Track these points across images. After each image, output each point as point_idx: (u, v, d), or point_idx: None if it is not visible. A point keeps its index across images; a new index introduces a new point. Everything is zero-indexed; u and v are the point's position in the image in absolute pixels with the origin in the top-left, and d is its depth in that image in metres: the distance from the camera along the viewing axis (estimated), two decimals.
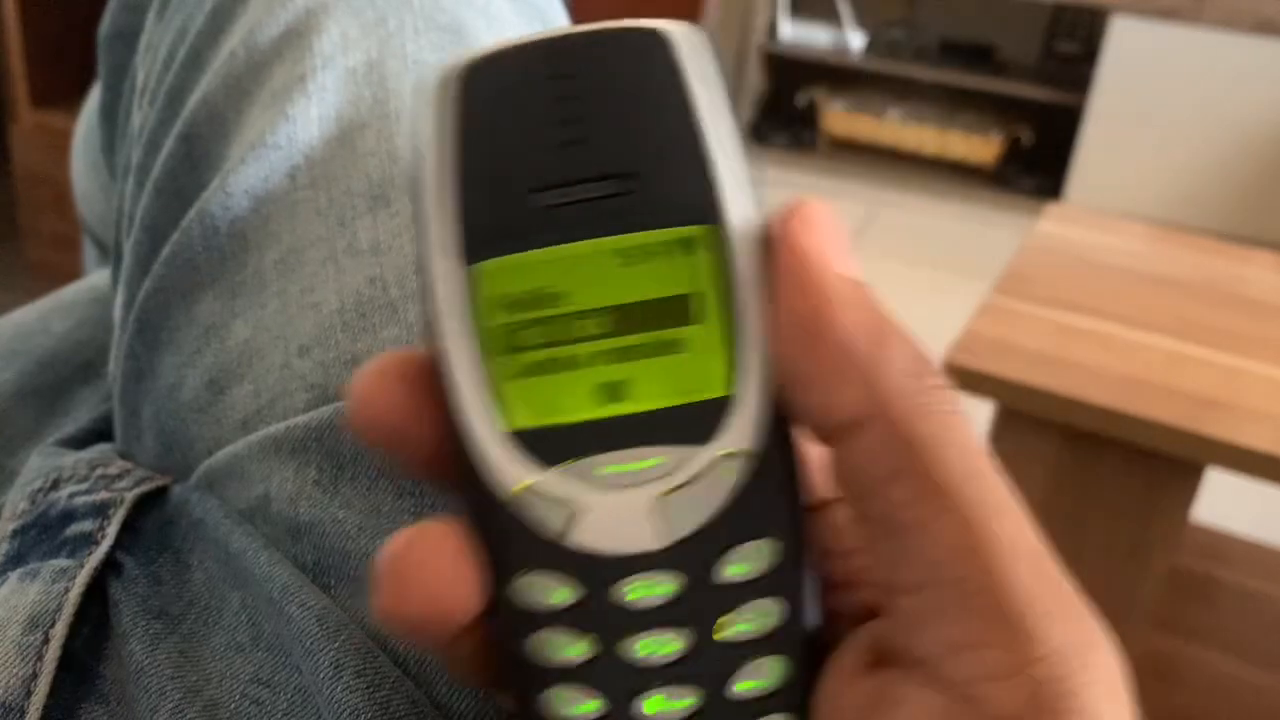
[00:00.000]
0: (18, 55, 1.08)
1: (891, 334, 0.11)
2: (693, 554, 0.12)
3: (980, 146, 1.87)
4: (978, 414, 0.71)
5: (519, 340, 0.12)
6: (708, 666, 0.12)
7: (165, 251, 0.22)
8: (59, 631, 0.18)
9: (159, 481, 0.21)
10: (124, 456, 0.23)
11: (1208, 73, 1.62)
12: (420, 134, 0.12)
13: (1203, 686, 0.75)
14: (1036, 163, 1.85)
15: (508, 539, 0.12)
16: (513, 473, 0.12)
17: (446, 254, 0.12)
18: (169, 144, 0.23)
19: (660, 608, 0.12)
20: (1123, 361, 0.66)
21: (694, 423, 0.12)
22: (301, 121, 0.22)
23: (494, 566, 0.12)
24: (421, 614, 0.11)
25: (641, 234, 0.12)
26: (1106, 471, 0.66)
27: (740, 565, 0.12)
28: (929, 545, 0.11)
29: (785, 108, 2.00)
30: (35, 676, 0.17)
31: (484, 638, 0.12)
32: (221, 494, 0.20)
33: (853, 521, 0.12)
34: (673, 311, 0.12)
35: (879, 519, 0.11)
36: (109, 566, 0.19)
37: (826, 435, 0.12)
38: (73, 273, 0.32)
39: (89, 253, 0.39)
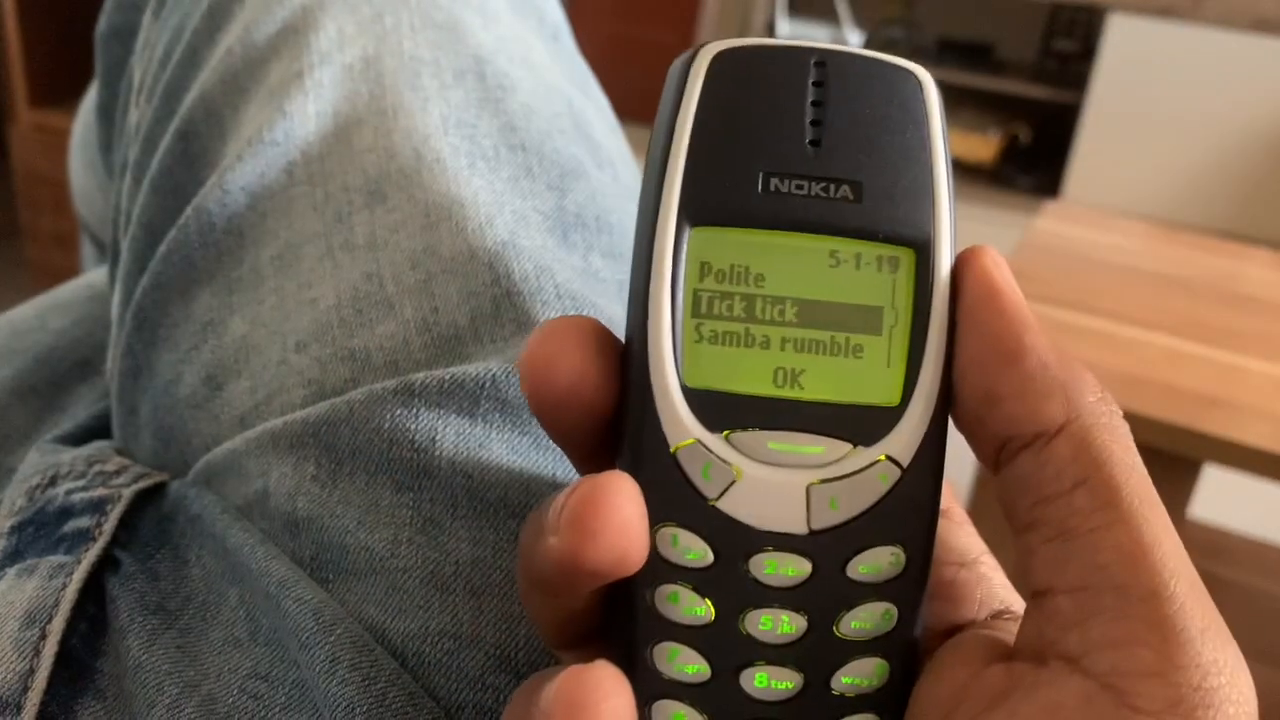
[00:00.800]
0: (16, 54, 1.08)
1: (1075, 359, 0.13)
2: (830, 546, 0.13)
3: (978, 145, 1.87)
4: None
5: (717, 308, 0.13)
6: (817, 655, 0.13)
7: (162, 248, 0.22)
8: (56, 627, 0.18)
9: (156, 478, 0.21)
10: (121, 453, 0.23)
11: (1205, 71, 1.62)
12: (668, 103, 0.13)
13: None
14: (1034, 161, 1.85)
15: (664, 490, 0.12)
16: (686, 426, 0.13)
17: (671, 212, 0.13)
18: (166, 141, 0.23)
19: (788, 589, 0.13)
20: (1121, 359, 0.66)
21: (862, 424, 0.13)
22: (299, 118, 0.22)
23: (653, 516, 0.12)
24: (604, 561, 0.12)
25: (855, 241, 0.13)
26: None
27: (871, 566, 0.13)
28: (1100, 551, 0.11)
29: None
30: (32, 672, 0.17)
31: (606, 587, 0.12)
32: (219, 489, 0.20)
33: (1016, 530, 0.13)
34: (863, 319, 0.13)
35: (1053, 523, 0.12)
36: (106, 562, 0.19)
37: (1017, 446, 0.12)
38: (71, 271, 0.32)
39: (87, 251, 0.39)
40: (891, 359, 0.13)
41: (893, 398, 0.13)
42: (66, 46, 1.09)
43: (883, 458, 0.13)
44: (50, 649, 0.18)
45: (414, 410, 0.18)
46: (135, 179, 0.24)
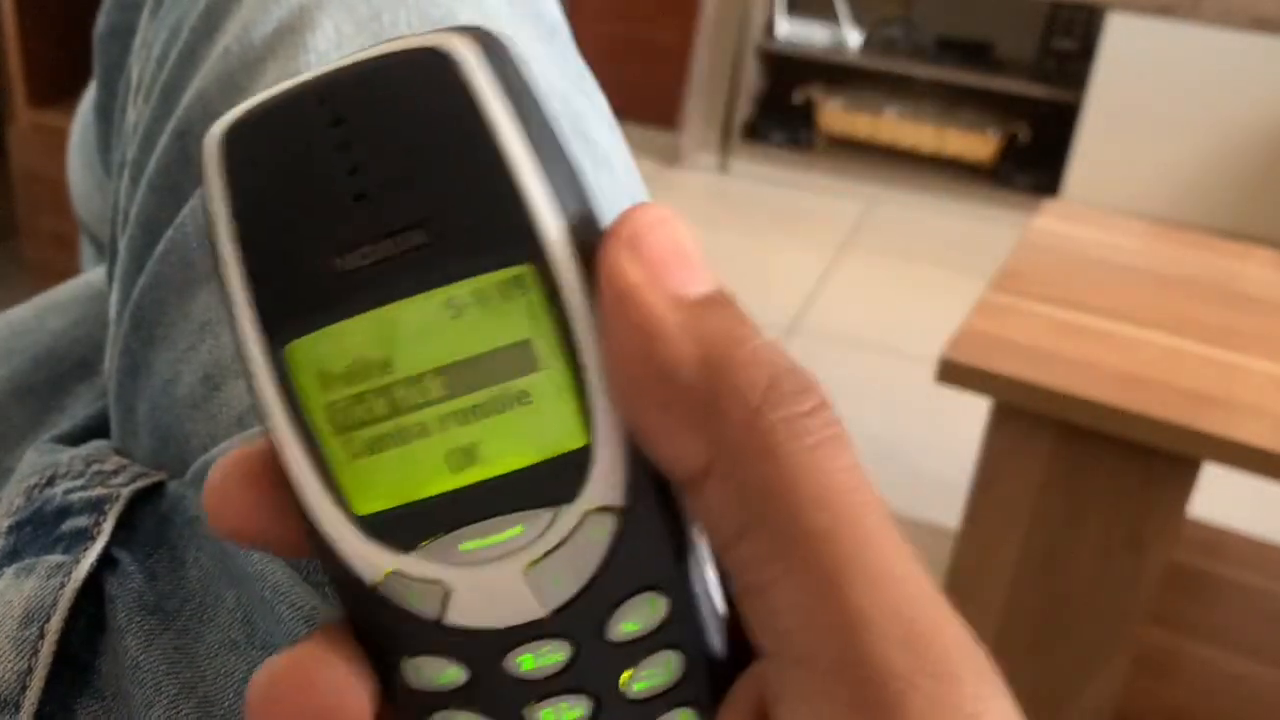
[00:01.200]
0: (15, 54, 1.08)
1: (736, 357, 0.10)
2: (579, 617, 0.11)
3: (977, 144, 1.87)
4: (975, 411, 0.72)
5: (351, 417, 0.11)
6: None
7: (160, 248, 0.22)
8: (54, 626, 0.18)
9: (155, 478, 0.21)
10: (120, 453, 0.23)
11: (1204, 69, 1.62)
12: (203, 204, 0.11)
13: (1200, 682, 0.75)
14: (1033, 160, 1.85)
15: (385, 625, 0.11)
16: (374, 561, 0.11)
17: (253, 337, 0.11)
18: (164, 141, 0.23)
19: (556, 675, 0.11)
20: (1119, 357, 0.66)
21: (553, 481, 0.11)
22: None
23: (380, 651, 0.11)
24: None
25: (456, 284, 0.11)
26: (1103, 467, 0.66)
27: (631, 623, 0.11)
28: (778, 614, 0.10)
29: (782, 106, 2.01)
30: (30, 671, 0.17)
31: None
32: None
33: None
34: (513, 361, 0.11)
35: (738, 578, 0.10)
36: (104, 562, 0.19)
37: (682, 490, 0.11)
38: (70, 272, 0.32)
39: (86, 251, 0.39)
40: (560, 393, 0.11)
41: (577, 438, 0.11)
42: (65, 46, 1.09)
43: (588, 509, 0.11)
44: (48, 648, 0.18)
45: None
46: (133, 178, 0.24)
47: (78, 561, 0.19)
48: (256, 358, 0.11)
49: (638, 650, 0.11)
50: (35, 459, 0.22)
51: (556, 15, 0.27)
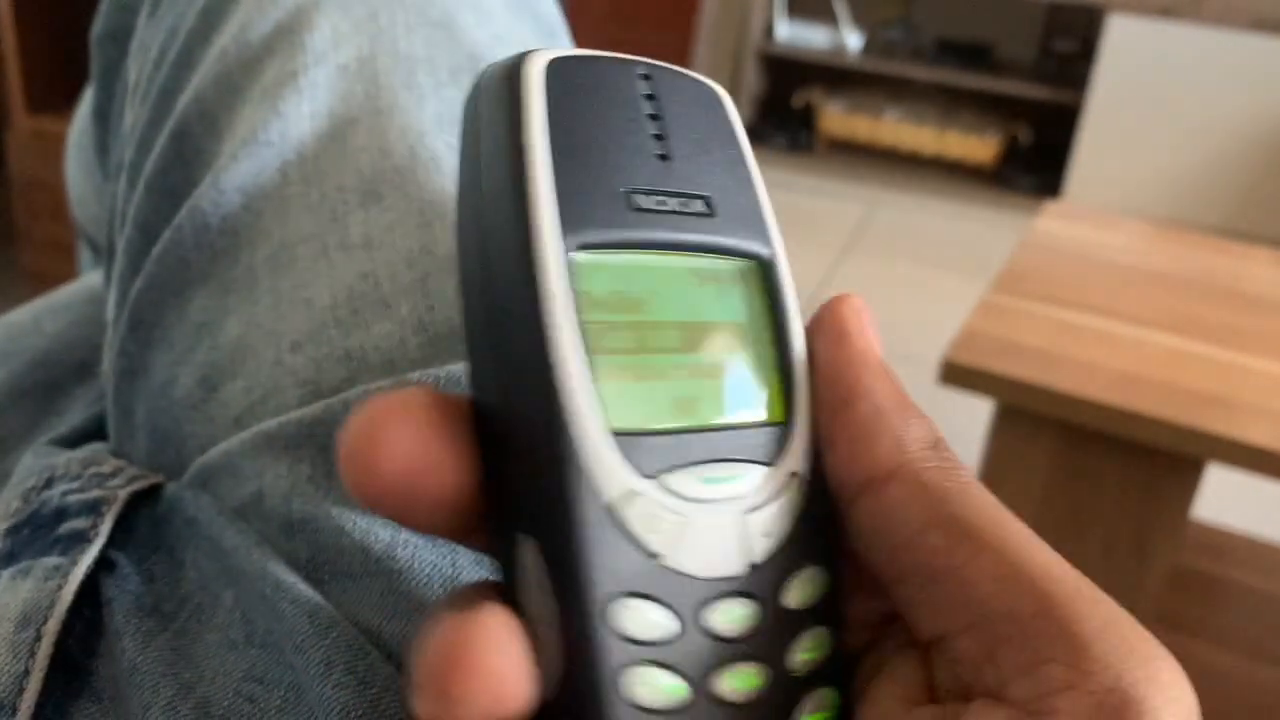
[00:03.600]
0: (13, 60, 1.08)
1: (912, 407, 0.13)
2: (767, 579, 0.12)
3: (978, 146, 1.87)
4: (977, 412, 0.71)
5: (610, 342, 0.12)
6: (779, 698, 0.12)
7: (157, 249, 0.22)
8: (51, 629, 0.18)
9: (152, 479, 0.21)
10: (117, 455, 0.22)
11: (1205, 70, 1.62)
12: (500, 117, 0.12)
13: (1205, 684, 0.74)
14: (1035, 161, 1.85)
15: (604, 555, 0.11)
16: (620, 476, 0.11)
17: (549, 236, 0.11)
18: (161, 142, 0.23)
19: (745, 638, 0.12)
20: (1122, 358, 0.66)
21: (764, 444, 0.12)
22: (293, 118, 0.22)
23: (580, 591, 0.11)
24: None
25: (712, 257, 0.13)
26: (1107, 469, 0.66)
27: (804, 592, 0.12)
28: (973, 585, 0.11)
29: (782, 108, 2.01)
30: (27, 674, 0.17)
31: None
32: (215, 491, 0.20)
33: (885, 583, 0.13)
34: (732, 337, 0.13)
35: (916, 568, 0.12)
36: (102, 564, 0.19)
37: (852, 494, 0.12)
38: (68, 279, 0.32)
39: (84, 255, 0.39)
40: (767, 375, 0.13)
41: (778, 413, 0.13)
42: (64, 52, 1.09)
43: (789, 472, 0.12)
44: (45, 651, 0.18)
45: None
46: (130, 180, 0.24)
47: (75, 564, 0.19)
48: (547, 256, 0.11)
49: (804, 622, 0.12)
50: (33, 462, 0.22)
51: (555, 16, 0.27)
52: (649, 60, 0.13)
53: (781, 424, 0.13)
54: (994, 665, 0.11)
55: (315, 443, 0.19)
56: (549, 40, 0.26)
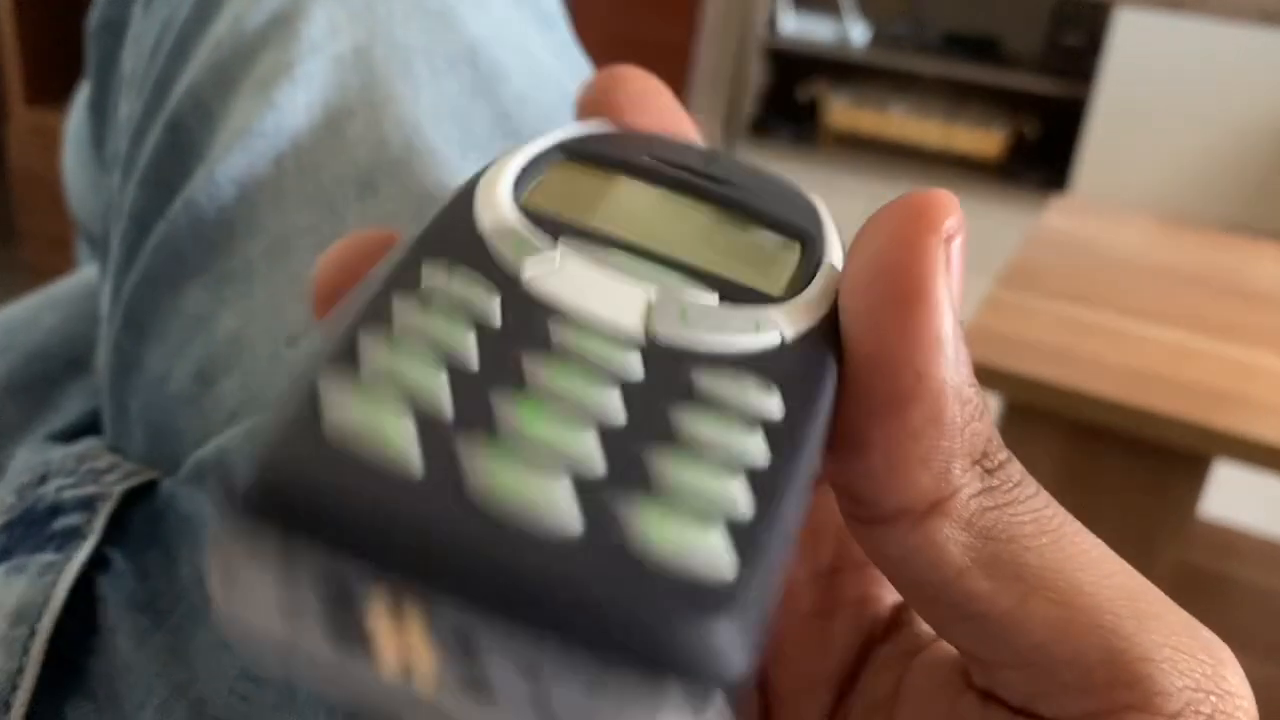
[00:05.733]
0: (12, 54, 1.08)
1: (972, 401, 0.10)
2: (673, 361, 0.09)
3: (985, 140, 1.86)
4: None
5: (572, 214, 0.10)
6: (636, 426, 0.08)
7: (152, 242, 0.22)
8: (45, 626, 0.18)
9: (147, 476, 0.21)
10: (113, 450, 0.22)
11: (1213, 64, 1.61)
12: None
13: None
14: (1041, 156, 1.84)
15: (448, 234, 0.09)
16: (503, 213, 0.10)
17: (534, 145, 0.11)
18: (155, 134, 0.23)
19: (584, 375, 0.08)
20: (1129, 354, 0.66)
21: (739, 292, 0.10)
22: (289, 109, 0.21)
23: (407, 259, 0.09)
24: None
25: (742, 216, 0.11)
26: (1114, 466, 0.65)
27: (731, 394, 0.09)
28: (1024, 631, 0.10)
29: (788, 102, 2.00)
30: (21, 671, 0.17)
31: None
32: (209, 486, 0.20)
33: (906, 599, 0.11)
34: (746, 257, 0.11)
35: (953, 609, 0.10)
36: (96, 561, 0.19)
37: (883, 516, 0.10)
38: (67, 273, 0.32)
39: (82, 250, 0.39)
40: (779, 277, 0.11)
41: (776, 289, 0.10)
42: (62, 45, 1.09)
43: (763, 315, 0.10)
44: (39, 647, 0.17)
45: None
46: (125, 172, 0.24)
47: (69, 560, 0.19)
48: (515, 154, 0.11)
49: (717, 407, 0.08)
50: (27, 457, 0.22)
51: (554, 4, 0.27)
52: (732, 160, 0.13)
53: (777, 297, 0.10)
54: (1055, 703, 0.10)
55: None
56: (548, 32, 0.26)
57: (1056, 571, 0.10)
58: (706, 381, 0.09)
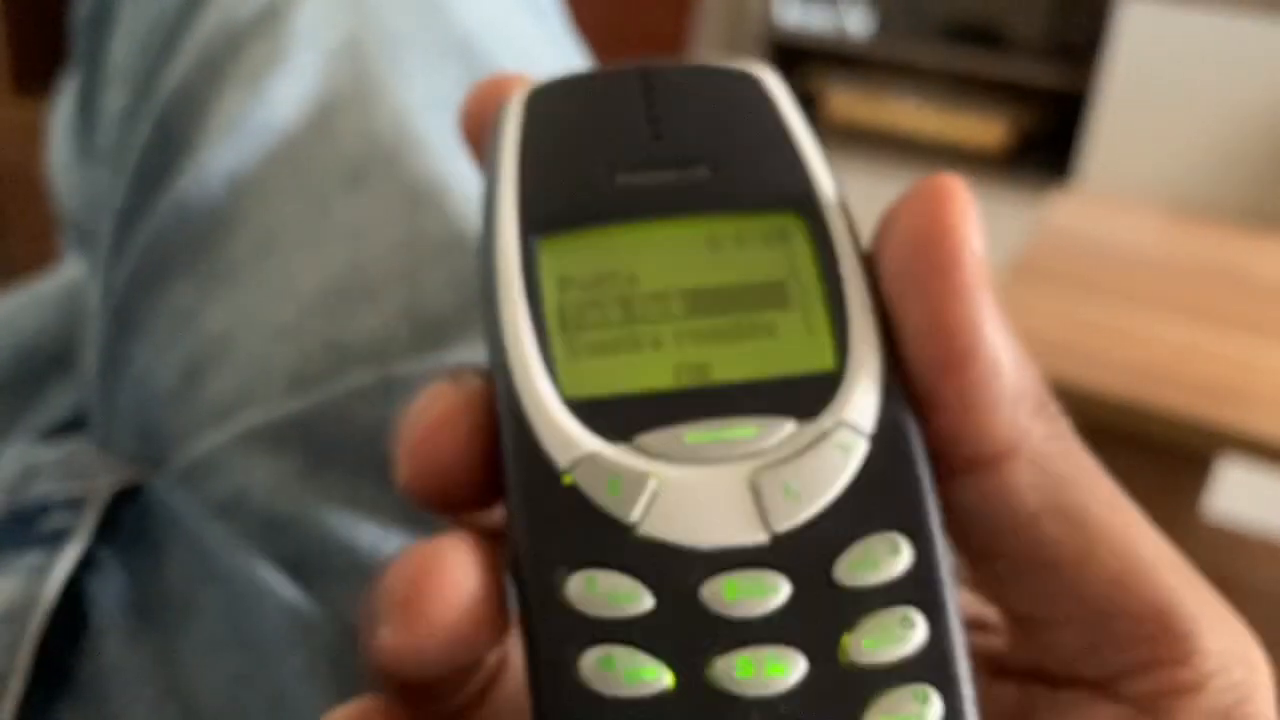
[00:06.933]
0: None
1: (1025, 356, 0.11)
2: (806, 550, 0.10)
3: (988, 131, 1.85)
4: None
5: (590, 319, 0.11)
6: (827, 693, 0.09)
7: (140, 237, 0.21)
8: (34, 627, 0.17)
9: (136, 476, 0.20)
10: (100, 447, 0.22)
11: (1219, 55, 1.59)
12: (490, 145, 0.12)
13: None
14: (1045, 147, 1.83)
15: (563, 526, 0.10)
16: (575, 440, 0.10)
17: (509, 226, 0.11)
18: (143, 127, 0.22)
19: (765, 618, 0.09)
20: (1134, 350, 0.65)
21: (798, 396, 0.10)
22: (277, 101, 0.21)
23: (540, 566, 0.10)
24: (442, 650, 0.09)
25: (724, 217, 0.11)
26: (1117, 464, 0.64)
27: (866, 565, 0.10)
28: (1089, 581, 0.10)
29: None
30: (10, 673, 0.17)
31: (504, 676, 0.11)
32: (199, 487, 0.19)
33: (972, 555, 0.11)
34: (764, 295, 0.11)
35: (1022, 553, 0.11)
36: (85, 562, 0.19)
37: (955, 467, 0.11)
38: (53, 269, 0.31)
39: (68, 245, 0.39)
40: (813, 328, 0.11)
41: (826, 362, 0.10)
42: (48, 38, 1.08)
43: (838, 424, 0.10)
44: (28, 649, 0.17)
45: (395, 403, 0.17)
46: (113, 166, 0.23)
47: (58, 561, 0.19)
48: (506, 246, 0.11)
49: (869, 602, 0.09)
50: (14, 454, 0.22)
51: None
52: (655, 64, 0.12)
53: (830, 374, 0.10)
54: (1099, 659, 0.10)
55: (300, 439, 0.18)
56: (541, 22, 0.25)
57: (1121, 526, 0.11)
58: (844, 573, 0.10)
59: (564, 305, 0.11)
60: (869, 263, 0.11)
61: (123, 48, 0.25)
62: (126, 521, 0.20)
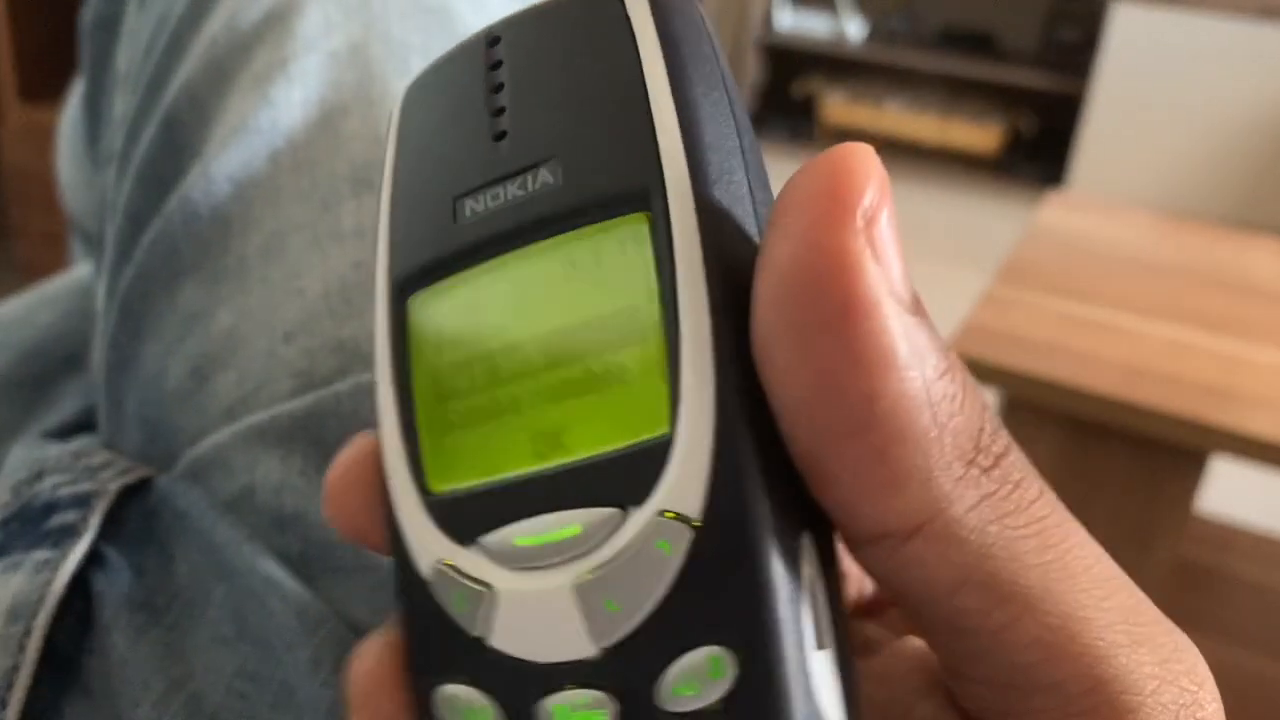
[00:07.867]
0: (6, 51, 1.07)
1: (950, 397, 0.08)
2: (633, 665, 0.09)
3: (981, 135, 1.86)
4: None
5: (452, 385, 0.10)
6: None
7: (147, 239, 0.22)
8: (41, 623, 0.18)
9: (143, 472, 0.21)
10: (108, 447, 0.22)
11: (1210, 59, 1.61)
12: (383, 164, 0.11)
13: None
14: (1038, 151, 1.84)
15: (430, 637, 0.10)
16: (431, 548, 0.10)
17: (381, 289, 0.10)
18: (150, 131, 0.23)
19: None
20: (1126, 350, 0.66)
21: (627, 476, 0.09)
22: (283, 105, 0.21)
23: (417, 676, 0.10)
24: None
25: (575, 234, 0.09)
26: (1110, 461, 0.65)
27: (686, 686, 0.08)
28: (1012, 651, 0.09)
29: (783, 98, 2.00)
30: (17, 668, 0.17)
31: None
32: (206, 484, 0.20)
33: (901, 618, 0.11)
34: (618, 328, 0.09)
35: (941, 625, 0.09)
36: (92, 558, 0.19)
37: (862, 540, 0.09)
38: (61, 271, 0.31)
39: (77, 248, 0.39)
40: (649, 369, 0.09)
41: (659, 423, 0.09)
42: (57, 42, 1.08)
43: (664, 515, 0.08)
44: (35, 645, 0.17)
45: None
46: (120, 169, 0.24)
47: (65, 557, 0.19)
48: (382, 312, 0.10)
49: None
50: (23, 454, 0.22)
51: None
52: (514, 13, 0.10)
53: (661, 439, 0.09)
54: None
55: (307, 436, 0.18)
56: None
57: (1055, 593, 0.09)
58: (665, 696, 0.09)
59: (436, 371, 0.10)
60: (733, 270, 0.09)
61: (129, 53, 0.25)
62: (133, 518, 0.20)
